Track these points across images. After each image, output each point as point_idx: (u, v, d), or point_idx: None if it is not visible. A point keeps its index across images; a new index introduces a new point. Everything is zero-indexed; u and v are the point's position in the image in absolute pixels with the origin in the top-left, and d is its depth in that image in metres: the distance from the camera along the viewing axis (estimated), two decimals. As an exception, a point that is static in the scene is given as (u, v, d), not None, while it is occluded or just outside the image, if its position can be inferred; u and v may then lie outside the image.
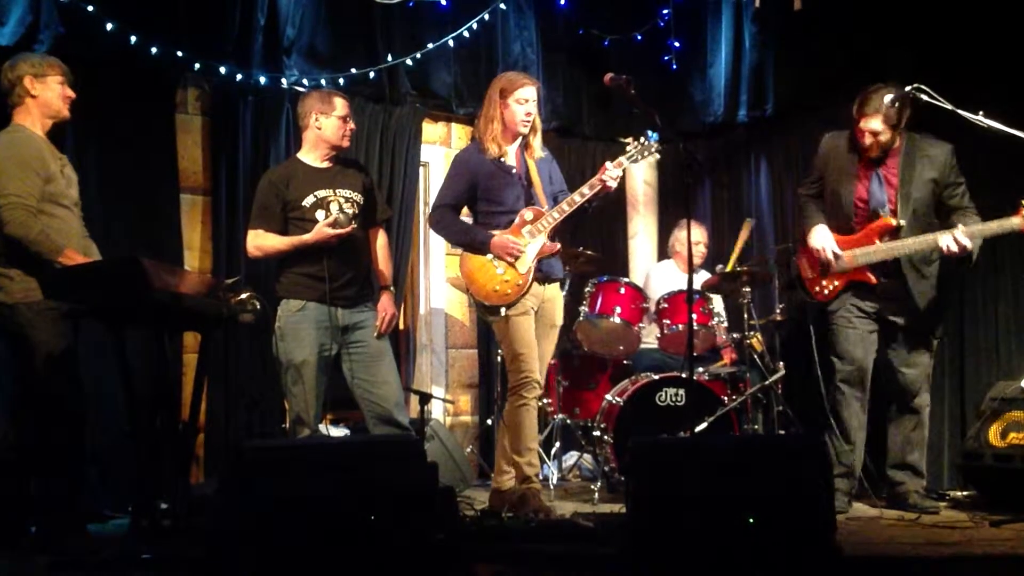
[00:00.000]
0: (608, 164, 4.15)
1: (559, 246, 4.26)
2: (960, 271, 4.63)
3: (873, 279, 4.32)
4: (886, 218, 4.29)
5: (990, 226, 4.14)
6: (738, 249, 5.52)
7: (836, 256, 4.33)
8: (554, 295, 4.35)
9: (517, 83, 4.26)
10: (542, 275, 4.24)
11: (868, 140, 4.28)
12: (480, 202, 4.32)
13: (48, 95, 3.71)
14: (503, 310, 4.21)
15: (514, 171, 4.28)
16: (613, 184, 4.15)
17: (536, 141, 4.34)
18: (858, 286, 4.36)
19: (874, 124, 4.23)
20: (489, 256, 4.20)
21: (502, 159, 4.28)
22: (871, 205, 4.34)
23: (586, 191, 4.16)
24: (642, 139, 4.22)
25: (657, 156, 4.23)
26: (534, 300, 4.23)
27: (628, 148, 4.25)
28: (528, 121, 4.26)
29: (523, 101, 4.23)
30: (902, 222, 4.27)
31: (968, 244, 4.10)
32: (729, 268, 5.52)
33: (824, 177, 4.49)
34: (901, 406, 4.39)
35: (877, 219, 4.31)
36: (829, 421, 4.41)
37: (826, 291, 4.42)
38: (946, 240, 4.12)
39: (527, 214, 4.21)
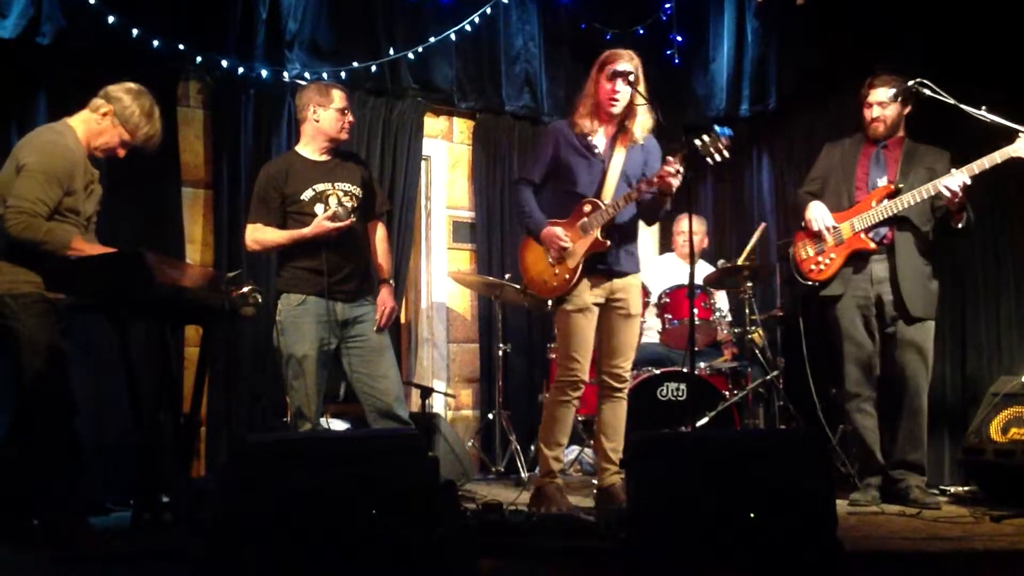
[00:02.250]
0: (670, 159, 3.89)
1: (609, 243, 4.09)
2: (957, 242, 4.62)
3: (872, 244, 4.32)
4: (884, 185, 4.33)
5: (992, 157, 4.09)
6: (748, 251, 5.50)
7: (833, 228, 4.35)
8: (625, 285, 4.18)
9: (612, 57, 4.05)
10: (605, 269, 4.13)
11: (875, 112, 4.32)
12: (555, 179, 4.20)
13: (104, 135, 3.65)
14: (549, 303, 4.19)
15: (597, 152, 4.14)
16: (674, 182, 3.89)
17: (636, 125, 4.10)
18: (856, 259, 4.35)
19: (880, 94, 4.29)
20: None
21: (589, 138, 4.14)
22: (871, 178, 4.39)
23: (643, 187, 4.02)
24: (711, 133, 3.83)
25: (725, 155, 3.83)
26: (596, 296, 4.13)
27: (695, 142, 3.88)
28: (615, 100, 4.04)
29: (612, 78, 4.03)
30: (901, 186, 4.28)
31: (968, 180, 4.10)
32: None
33: (827, 176, 4.52)
34: (901, 400, 4.38)
35: (876, 188, 4.36)
36: (849, 426, 4.47)
37: (823, 266, 4.40)
38: (946, 182, 4.12)
39: (586, 206, 4.10)
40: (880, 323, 4.38)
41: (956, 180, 4.11)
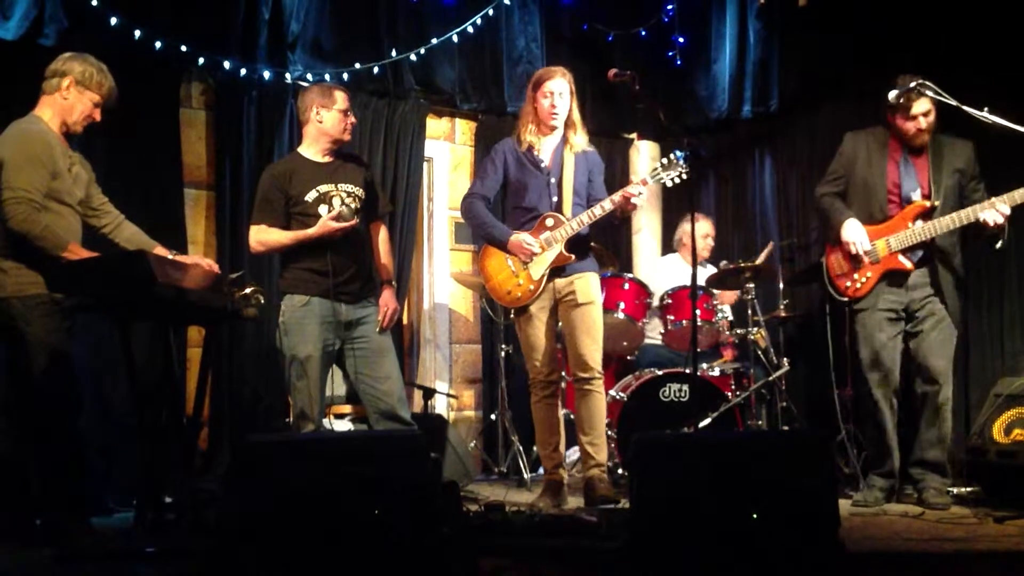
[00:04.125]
0: (633, 180, 4.10)
1: (574, 257, 4.22)
2: (986, 254, 4.57)
3: (909, 265, 4.27)
4: (919, 201, 4.28)
5: None
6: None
7: (868, 250, 4.30)
8: (569, 281, 4.24)
9: (546, 75, 4.28)
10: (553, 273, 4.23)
11: (922, 124, 4.24)
12: (509, 195, 4.38)
13: (76, 106, 3.68)
14: (512, 312, 4.33)
15: (543, 166, 4.28)
16: (638, 202, 4.14)
17: (575, 137, 4.30)
18: (891, 275, 4.30)
19: (923, 105, 4.21)
20: (507, 256, 4.24)
21: (534, 152, 4.29)
22: (904, 190, 4.32)
23: (607, 206, 4.15)
24: (669, 157, 4.16)
25: (683, 177, 4.15)
26: (548, 299, 4.24)
27: (654, 166, 4.22)
28: (555, 114, 4.24)
29: (548, 94, 4.23)
30: (936, 203, 4.25)
31: (1008, 211, 4.09)
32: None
33: (851, 173, 4.42)
34: (924, 401, 4.33)
35: (910, 204, 4.30)
36: (866, 425, 4.44)
37: (858, 284, 4.34)
38: (987, 214, 4.10)
39: (548, 220, 4.22)
40: (910, 328, 4.32)
41: (996, 214, 4.09)
